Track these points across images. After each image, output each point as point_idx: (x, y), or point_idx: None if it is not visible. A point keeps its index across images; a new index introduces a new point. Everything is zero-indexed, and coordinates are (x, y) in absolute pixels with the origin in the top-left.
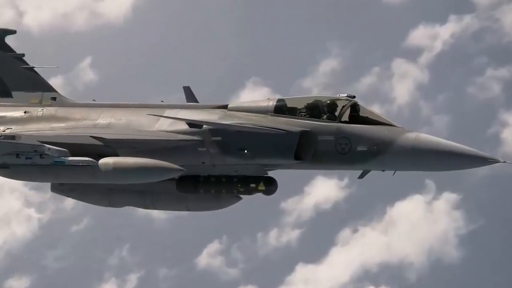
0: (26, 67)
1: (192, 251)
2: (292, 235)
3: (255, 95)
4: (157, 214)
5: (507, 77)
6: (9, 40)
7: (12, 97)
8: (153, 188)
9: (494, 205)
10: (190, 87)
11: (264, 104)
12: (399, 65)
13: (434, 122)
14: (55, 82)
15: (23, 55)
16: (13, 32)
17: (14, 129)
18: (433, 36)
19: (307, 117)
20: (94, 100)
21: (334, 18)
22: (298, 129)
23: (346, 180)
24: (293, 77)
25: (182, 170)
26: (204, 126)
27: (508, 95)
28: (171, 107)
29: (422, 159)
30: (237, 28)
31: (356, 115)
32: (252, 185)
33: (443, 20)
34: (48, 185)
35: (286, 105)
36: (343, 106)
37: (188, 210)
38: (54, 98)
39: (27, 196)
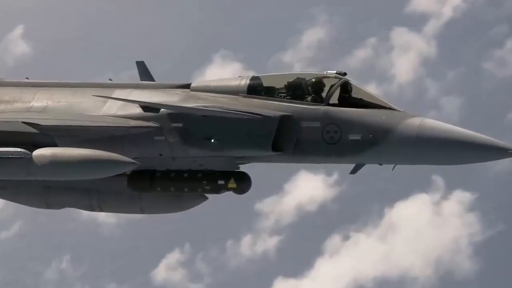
0: None
1: (147, 262)
2: (269, 243)
3: (224, 72)
4: (105, 218)
5: None
6: None
7: None
8: (99, 186)
9: None
10: (145, 62)
11: (235, 83)
12: (400, 35)
13: (442, 105)
14: None
15: None
16: None
17: None
18: (442, 0)
19: (287, 99)
20: (27, 78)
21: None
22: (277, 113)
23: (335, 176)
24: (270, 51)
25: (135, 163)
26: (162, 110)
27: None
28: (121, 87)
29: (428, 150)
30: None
31: (347, 97)
32: (221, 182)
33: None
34: None
35: (262, 84)
36: (332, 86)
37: (143, 212)
38: None
39: None
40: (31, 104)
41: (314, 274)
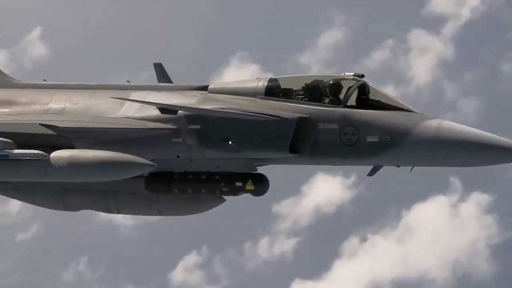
0: None
1: (164, 264)
2: (287, 245)
3: (241, 74)
4: (122, 220)
5: None
6: None
7: None
8: (117, 188)
9: None
10: (162, 64)
11: (252, 84)
12: (418, 37)
13: (460, 107)
14: None
15: None
16: None
17: None
18: (460, 2)
19: (305, 100)
20: (45, 80)
21: None
22: (295, 115)
23: (352, 178)
24: (288, 52)
25: (152, 165)
26: (180, 111)
27: None
28: (139, 89)
29: (445, 152)
30: None
31: (365, 98)
32: (238, 184)
33: None
34: None
35: (279, 86)
36: (349, 88)
37: (160, 214)
38: None
39: None
40: (48, 106)
41: (331, 276)
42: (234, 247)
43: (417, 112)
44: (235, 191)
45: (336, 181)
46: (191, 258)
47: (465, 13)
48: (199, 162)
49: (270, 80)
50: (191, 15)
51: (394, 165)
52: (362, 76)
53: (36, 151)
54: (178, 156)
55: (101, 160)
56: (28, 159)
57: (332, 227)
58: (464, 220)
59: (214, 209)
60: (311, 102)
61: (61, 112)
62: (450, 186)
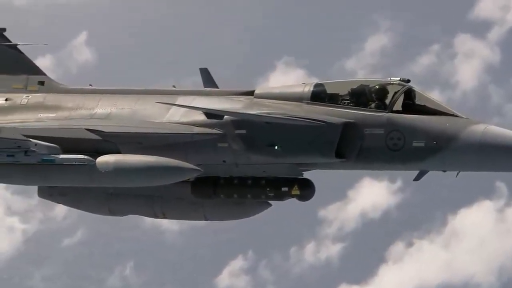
0: (8, 45)
1: (210, 269)
2: (332, 249)
3: (287, 79)
4: (168, 225)
5: None
6: None
7: None
8: (163, 193)
9: None
10: (208, 69)
11: (298, 89)
12: (464, 42)
13: (506, 112)
14: (43, 62)
15: (4, 30)
16: None
17: None
18: (505, 7)
19: (351, 105)
20: (90, 85)
21: None
22: (340, 120)
23: (398, 183)
24: (334, 57)
25: (198, 170)
26: (226, 116)
27: None
28: (185, 94)
29: (491, 157)
30: None
31: (411, 103)
32: (284, 189)
33: None
34: (34, 188)
35: (325, 91)
36: (395, 93)
37: (206, 219)
38: (41, 83)
39: (9, 203)
40: (94, 111)
41: (377, 281)
42: (280, 252)
43: (462, 117)
44: (281, 196)
45: (382, 186)
46: (237, 263)
47: (511, 18)
48: (244, 167)
49: (316, 85)
50: (238, 21)
51: (440, 170)
52: (408, 81)
53: (82, 156)
54: (224, 161)
55: (147, 165)
56: (74, 164)
57: (378, 232)
58: (510, 225)
59: (260, 214)
60: (357, 107)
61: (107, 117)
62: (496, 191)
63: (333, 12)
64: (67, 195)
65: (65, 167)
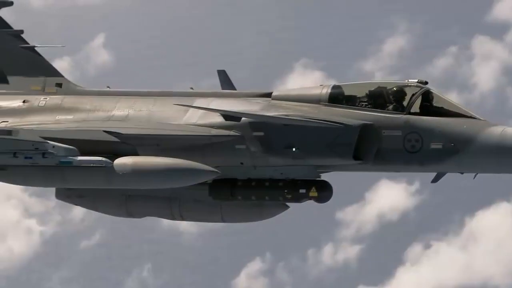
0: (25, 47)
1: (228, 271)
2: (350, 251)
3: (305, 81)
4: (186, 227)
5: None
6: (5, 13)
7: (8, 83)
8: (180, 195)
9: None
10: (226, 70)
11: (316, 91)
12: (481, 43)
13: None
14: (60, 64)
15: (22, 31)
16: (9, 3)
17: (10, 122)
18: None
19: (368, 107)
20: (108, 87)
21: None
22: (358, 122)
23: (416, 185)
24: (351, 59)
25: (216, 172)
26: (243, 118)
27: None
28: (202, 96)
29: (509, 159)
30: None
31: (428, 105)
32: (302, 191)
33: None
34: (52, 190)
35: (343, 93)
36: (413, 94)
37: (224, 221)
38: (59, 85)
39: (26, 204)
40: (112, 113)
41: (395, 283)
42: (298, 254)
43: (480, 119)
44: (299, 198)
45: (400, 187)
46: (255, 265)
47: None
48: (262, 169)
49: (334, 87)
50: (255, 22)
51: (458, 172)
52: (426, 83)
53: (100, 158)
54: (241, 163)
55: (165, 167)
56: (92, 166)
57: (396, 234)
58: None
59: (277, 216)
60: (374, 109)
61: (125, 119)
62: None
63: (351, 14)
64: (84, 197)
65: (82, 169)
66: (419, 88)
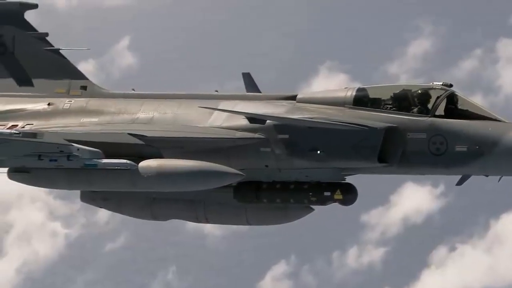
0: (50, 49)
1: (253, 274)
2: (375, 254)
3: (330, 83)
4: (211, 229)
5: None
6: (30, 16)
7: (33, 86)
8: (205, 198)
9: None
10: (251, 73)
11: (341, 94)
12: (506, 46)
13: None
14: (85, 67)
15: (47, 34)
16: (34, 6)
17: (35, 124)
18: None
19: (393, 110)
20: (133, 90)
21: None
22: (383, 125)
23: (441, 188)
24: (376, 62)
25: (241, 175)
26: (268, 121)
27: None
28: (227, 98)
29: None
30: (308, 0)
31: (453, 108)
32: (327, 194)
33: None
34: (77, 193)
35: (368, 95)
36: (438, 97)
37: (249, 224)
38: (84, 87)
39: (51, 207)
40: (137, 116)
41: (420, 285)
42: (323, 256)
43: (505, 122)
44: (324, 201)
45: (425, 190)
46: (280, 268)
47: None
48: (287, 172)
49: (359, 90)
50: (281, 25)
51: (483, 175)
52: (451, 85)
53: (124, 161)
54: (266, 166)
55: (190, 169)
56: (117, 169)
57: (421, 237)
58: None
59: (302, 218)
60: (399, 112)
61: (150, 121)
62: None
63: (376, 17)
64: (109, 199)
65: (107, 172)
66: (443, 91)
